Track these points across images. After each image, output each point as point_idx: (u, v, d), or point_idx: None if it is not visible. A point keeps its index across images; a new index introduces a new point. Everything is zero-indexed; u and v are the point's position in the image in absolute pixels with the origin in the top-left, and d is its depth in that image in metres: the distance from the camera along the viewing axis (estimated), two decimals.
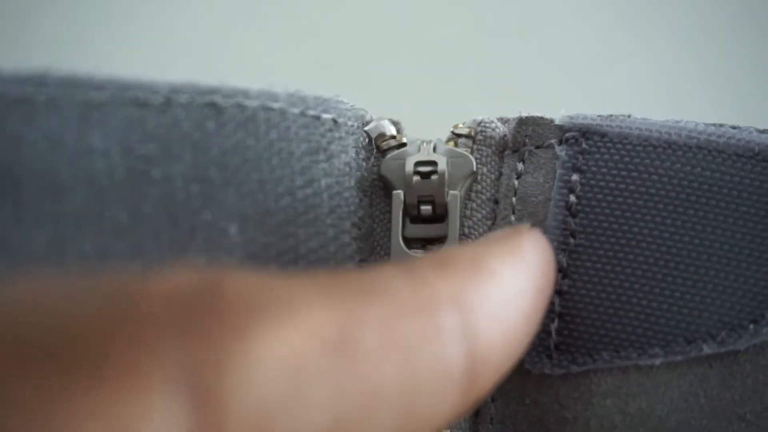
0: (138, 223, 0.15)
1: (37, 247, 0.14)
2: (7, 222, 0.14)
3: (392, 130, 0.21)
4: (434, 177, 0.20)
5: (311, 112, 0.19)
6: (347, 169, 0.20)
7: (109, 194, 0.15)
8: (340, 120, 0.20)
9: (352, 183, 0.20)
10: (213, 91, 0.17)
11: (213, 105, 0.17)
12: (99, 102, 0.15)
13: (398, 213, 0.20)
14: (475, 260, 0.16)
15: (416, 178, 0.20)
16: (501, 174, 0.21)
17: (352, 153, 0.20)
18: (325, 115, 0.20)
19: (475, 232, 0.21)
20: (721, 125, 0.20)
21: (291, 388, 0.12)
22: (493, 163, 0.21)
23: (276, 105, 0.18)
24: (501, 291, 0.16)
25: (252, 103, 0.18)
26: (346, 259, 0.20)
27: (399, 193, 0.21)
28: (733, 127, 0.20)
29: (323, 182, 0.19)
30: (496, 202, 0.21)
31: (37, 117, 0.14)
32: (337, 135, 0.20)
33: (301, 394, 0.12)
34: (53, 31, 0.57)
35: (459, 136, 0.21)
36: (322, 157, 0.19)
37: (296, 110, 0.19)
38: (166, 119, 0.16)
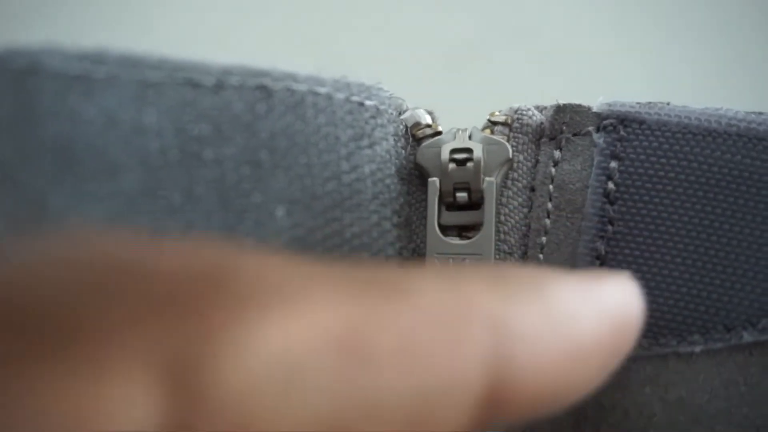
0: (190, 203, 0.15)
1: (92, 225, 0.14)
2: (66, 199, 0.14)
3: (427, 119, 0.21)
4: (470, 164, 0.20)
5: (355, 98, 0.19)
6: (388, 156, 0.20)
7: (163, 174, 0.15)
8: (382, 107, 0.20)
9: (393, 170, 0.20)
10: (263, 74, 0.17)
11: (263, 88, 0.17)
12: (154, 81, 0.15)
13: (434, 200, 0.20)
14: (532, 284, 0.14)
15: (452, 165, 0.20)
16: (538, 161, 0.21)
17: (392, 141, 0.20)
18: (368, 102, 0.19)
19: (511, 219, 0.21)
20: (761, 113, 0.20)
21: (281, 385, 0.11)
22: (529, 150, 0.21)
23: (323, 90, 0.18)
24: (557, 322, 0.14)
25: (300, 87, 0.18)
26: (386, 246, 0.20)
27: (435, 181, 0.20)
28: None
29: (367, 168, 0.19)
30: (533, 189, 0.21)
31: (95, 94, 0.14)
32: (379, 122, 0.20)
33: (292, 392, 0.11)
34: (51, 29, 0.57)
35: (495, 123, 0.21)
36: (365, 143, 0.19)
37: (341, 96, 0.19)
38: (218, 101, 0.16)
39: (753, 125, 0.19)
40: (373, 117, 0.19)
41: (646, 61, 0.54)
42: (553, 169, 0.21)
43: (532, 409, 0.14)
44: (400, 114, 0.21)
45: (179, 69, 0.15)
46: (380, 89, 0.20)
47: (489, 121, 0.21)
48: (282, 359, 0.11)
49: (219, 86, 0.16)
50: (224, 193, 0.16)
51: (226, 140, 0.16)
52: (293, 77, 0.17)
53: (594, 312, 0.15)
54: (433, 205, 0.20)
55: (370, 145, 0.19)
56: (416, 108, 0.21)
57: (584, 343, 0.14)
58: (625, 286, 0.16)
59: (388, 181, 0.20)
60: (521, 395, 0.13)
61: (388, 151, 0.20)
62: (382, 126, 0.20)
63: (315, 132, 0.18)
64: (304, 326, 0.11)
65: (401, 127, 0.21)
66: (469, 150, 0.20)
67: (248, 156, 0.16)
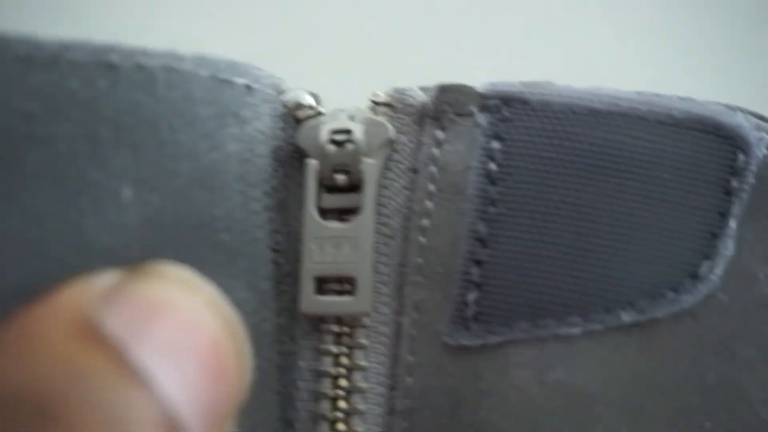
0: (19, 181, 0.14)
1: None
2: None
3: (310, 101, 0.21)
4: (349, 145, 0.20)
5: (222, 76, 0.18)
6: (261, 136, 0.19)
7: None
8: (255, 86, 0.19)
9: (266, 151, 0.20)
10: (109, 49, 0.16)
11: (107, 63, 0.16)
12: None
13: (312, 182, 0.20)
14: None
15: (331, 146, 0.20)
16: (421, 143, 0.20)
17: (267, 121, 0.20)
18: (237, 80, 0.19)
19: (393, 202, 0.20)
20: (641, 92, 0.20)
21: None
22: (412, 131, 0.20)
23: (181, 66, 0.18)
24: None
25: (153, 63, 0.17)
26: (255, 228, 0.19)
27: (312, 162, 0.20)
28: (656, 95, 0.20)
29: (232, 147, 0.19)
30: (415, 171, 0.20)
31: None
32: (250, 101, 0.19)
33: None
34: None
35: (378, 104, 0.21)
36: (231, 122, 0.19)
37: (205, 73, 0.18)
38: (52, 76, 0.15)
39: (635, 104, 0.19)
40: (242, 96, 0.19)
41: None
42: (435, 151, 0.20)
43: None
44: (280, 94, 0.20)
45: (8, 44, 0.15)
46: (255, 68, 0.19)
47: (372, 101, 0.21)
48: None
49: (53, 62, 0.15)
50: (57, 171, 0.15)
51: (59, 117, 0.15)
52: (146, 53, 0.17)
53: None
54: (311, 187, 0.20)
55: (238, 125, 0.19)
56: (299, 89, 0.21)
57: None
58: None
59: (258, 161, 0.19)
60: None
61: (261, 132, 0.19)
62: (253, 105, 0.19)
63: (168, 109, 0.17)
64: None
65: (279, 107, 0.20)
66: (348, 131, 0.20)
67: (86, 133, 0.16)
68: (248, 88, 0.19)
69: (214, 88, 0.18)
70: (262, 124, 0.19)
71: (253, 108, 0.19)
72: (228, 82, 0.18)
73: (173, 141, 0.17)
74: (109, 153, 0.16)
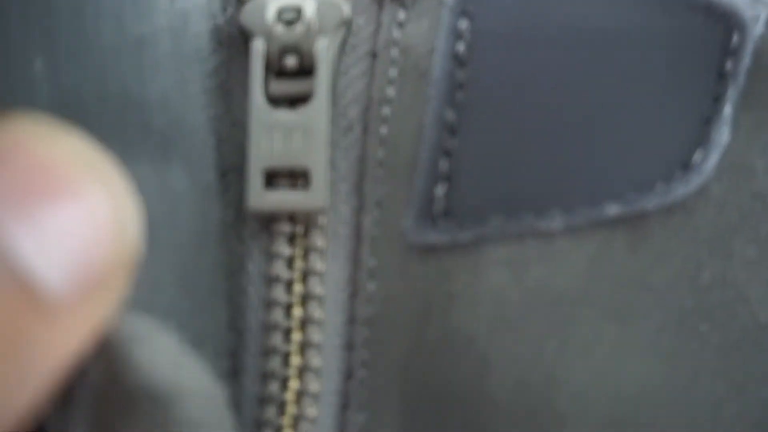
0: None
1: None
2: None
3: None
4: (299, 25, 0.17)
5: None
6: (197, 12, 0.17)
7: None
8: None
9: (203, 29, 0.17)
10: None
11: None
12: None
13: (258, 65, 0.17)
14: None
15: (279, 25, 0.17)
16: (380, 24, 0.18)
17: None
18: None
19: (351, 90, 0.18)
20: None
21: None
22: (371, 11, 0.18)
23: None
24: None
25: None
26: (193, 110, 0.17)
27: (258, 43, 0.17)
28: None
29: (163, 20, 0.16)
30: (375, 55, 0.18)
31: None
32: None
33: None
34: None
35: None
36: None
37: None
38: None
39: None
40: None
41: None
42: (397, 32, 0.18)
43: None
44: None
45: None
46: None
47: None
48: None
49: None
50: None
51: None
52: None
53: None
54: (257, 70, 0.17)
55: None
56: None
57: None
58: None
59: (195, 39, 0.17)
60: None
61: (198, 7, 0.17)
62: None
63: None
64: None
65: None
66: (299, 9, 0.18)
67: None
68: None
69: None
70: None
71: None
72: None
73: (93, 11, 0.15)
74: (17, 24, 0.14)
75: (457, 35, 0.17)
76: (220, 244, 0.17)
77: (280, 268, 0.17)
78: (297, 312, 0.17)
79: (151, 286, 0.16)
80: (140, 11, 0.16)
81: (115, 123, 0.16)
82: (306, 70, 0.18)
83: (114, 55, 0.16)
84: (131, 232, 0.11)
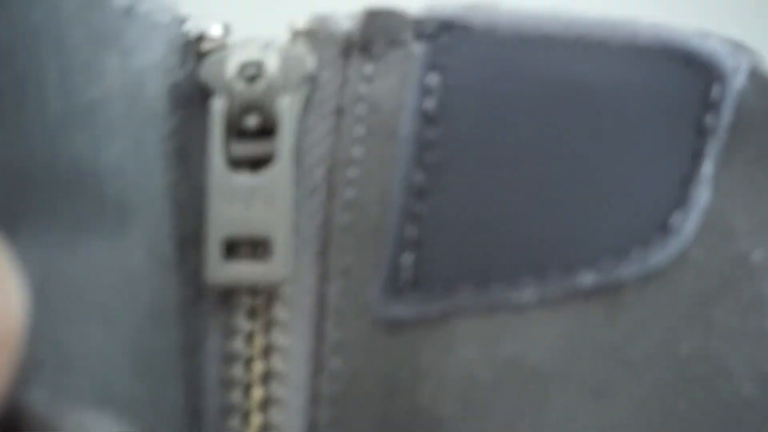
0: None
1: None
2: None
3: (216, 30, 0.17)
4: (261, 81, 0.17)
5: None
6: (153, 71, 0.16)
7: None
8: (140, 9, 0.16)
9: (159, 88, 0.16)
10: None
11: None
12: None
13: (218, 126, 0.17)
14: None
15: (239, 82, 0.17)
16: (347, 78, 0.17)
17: (160, 51, 0.16)
18: (116, 1, 0.16)
19: (317, 150, 0.17)
20: (603, 16, 0.17)
21: None
22: (337, 65, 0.17)
23: None
24: None
25: None
26: (151, 177, 0.16)
27: (218, 102, 0.17)
28: (617, 19, 0.17)
29: (116, 82, 0.15)
30: (341, 112, 0.17)
31: None
32: (132, 26, 0.16)
33: None
34: None
35: (297, 33, 0.17)
36: (112, 50, 0.15)
37: None
38: None
39: (594, 29, 0.17)
40: (122, 19, 0.15)
41: None
42: (364, 87, 0.17)
43: None
44: (181, 23, 0.17)
45: None
46: None
47: (290, 30, 0.18)
48: None
49: None
50: None
51: None
52: None
53: None
54: (217, 131, 0.17)
55: (122, 54, 0.15)
56: (202, 17, 0.17)
57: None
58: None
59: (151, 100, 0.16)
60: None
61: (154, 64, 0.16)
62: (139, 31, 0.16)
63: (26, 34, 0.14)
64: None
65: (178, 37, 0.17)
66: (260, 64, 0.17)
67: None
68: (129, 11, 0.16)
69: (84, 8, 0.15)
70: (153, 55, 0.16)
71: (138, 35, 0.16)
72: (102, 3, 0.15)
73: (36, 74, 0.14)
74: None
75: (426, 91, 0.17)
76: (178, 320, 0.16)
77: (239, 345, 0.16)
78: (257, 392, 0.16)
79: (108, 374, 0.15)
80: (89, 75, 0.15)
81: (66, 196, 0.15)
82: (268, 129, 0.17)
83: (62, 123, 0.15)
84: (15, 314, 0.11)
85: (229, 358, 0.16)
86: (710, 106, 0.16)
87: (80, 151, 0.15)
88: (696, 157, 0.16)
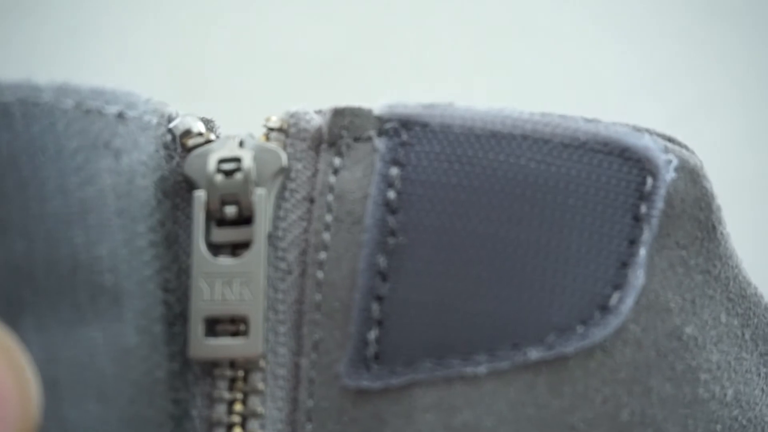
0: None
1: None
2: None
3: (200, 127, 0.19)
4: (238, 174, 0.18)
5: (88, 105, 0.17)
6: (142, 168, 0.18)
7: None
8: (130, 114, 0.18)
9: (148, 182, 0.18)
10: None
11: None
12: None
13: (200, 215, 0.18)
14: None
15: (219, 176, 0.18)
16: (317, 170, 0.19)
17: (149, 150, 0.18)
18: (107, 108, 0.17)
19: (290, 234, 0.19)
20: (546, 114, 0.19)
21: None
22: (308, 158, 0.19)
23: (40, 98, 0.16)
24: None
25: (6, 97, 0.16)
26: (141, 266, 0.18)
27: (200, 194, 0.18)
28: (561, 117, 0.19)
29: (108, 181, 0.17)
30: (312, 200, 0.19)
31: None
32: (123, 130, 0.18)
33: None
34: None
35: (271, 129, 0.19)
36: (104, 153, 0.17)
37: (69, 103, 0.17)
38: None
39: (539, 126, 0.18)
40: (114, 125, 0.17)
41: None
42: (332, 178, 0.19)
43: None
44: (168, 121, 0.19)
45: None
46: (130, 94, 0.18)
47: (264, 126, 0.19)
48: None
49: None
50: None
51: None
52: None
53: None
54: (199, 220, 0.18)
55: (113, 156, 0.17)
56: (187, 115, 0.19)
57: None
58: None
59: (140, 194, 0.18)
60: None
61: (143, 162, 0.18)
62: (128, 134, 0.18)
63: (28, 145, 0.16)
64: None
65: (165, 135, 0.19)
66: (237, 159, 0.19)
67: None
68: (121, 116, 0.17)
69: (79, 119, 0.17)
70: (142, 153, 0.18)
71: (128, 137, 0.18)
72: (96, 112, 0.17)
73: (37, 179, 0.16)
74: None
75: (388, 183, 0.18)
76: (166, 391, 0.18)
77: (221, 413, 0.18)
78: None
79: None
80: (84, 176, 0.17)
81: (65, 287, 0.17)
82: (246, 217, 0.19)
83: (60, 221, 0.16)
84: (34, 400, 0.13)
85: (211, 425, 0.18)
86: (644, 196, 0.18)
87: (77, 246, 0.16)
88: (632, 243, 0.18)
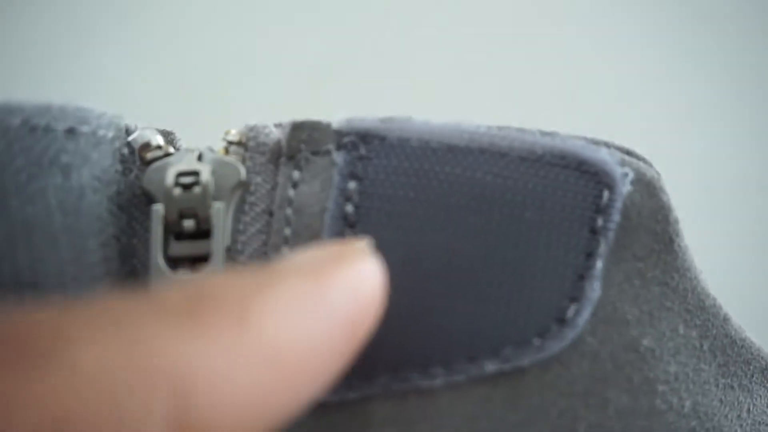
0: None
1: None
2: None
3: (159, 140, 0.19)
4: (196, 188, 0.18)
5: (34, 122, 0.17)
6: (94, 183, 0.18)
7: None
8: (82, 129, 0.18)
9: (101, 198, 0.18)
10: None
11: None
12: None
13: (158, 229, 0.18)
14: (236, 305, 0.13)
15: (177, 189, 0.18)
16: (276, 183, 0.19)
17: (103, 164, 0.18)
18: (55, 125, 0.17)
19: (249, 248, 0.19)
20: (503, 127, 0.19)
21: None
22: (268, 171, 0.19)
23: None
24: (254, 356, 0.13)
25: None
26: (94, 281, 0.18)
27: (158, 207, 0.18)
28: (518, 130, 0.19)
29: (54, 199, 0.17)
30: (271, 213, 0.19)
31: None
32: (72, 146, 0.17)
33: None
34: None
35: (230, 143, 0.19)
36: (50, 171, 0.17)
37: (15, 121, 0.17)
38: None
39: (496, 140, 0.18)
40: (60, 141, 0.17)
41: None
42: (291, 192, 0.19)
43: None
44: (125, 135, 0.19)
45: None
46: (82, 110, 0.18)
47: (224, 140, 0.19)
48: None
49: None
50: None
51: None
52: None
53: (318, 324, 0.14)
54: (157, 234, 0.18)
55: (61, 173, 0.17)
56: (146, 128, 0.19)
57: (300, 364, 0.14)
58: (364, 269, 0.16)
59: (91, 210, 0.18)
60: None
61: (96, 178, 0.18)
62: (79, 150, 0.18)
63: None
64: None
65: (123, 148, 0.19)
66: (196, 173, 0.18)
67: None
68: (70, 132, 0.17)
69: (23, 137, 0.16)
70: (95, 168, 0.18)
71: (78, 153, 0.17)
72: (43, 129, 0.17)
73: None
74: None
75: (346, 196, 0.18)
76: None
77: None
78: None
79: None
80: (28, 194, 0.17)
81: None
82: (204, 231, 0.19)
83: (2, 240, 0.16)
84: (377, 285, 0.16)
85: None
86: (601, 209, 0.18)
87: (20, 266, 0.16)
88: (589, 256, 0.18)
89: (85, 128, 0.18)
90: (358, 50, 0.53)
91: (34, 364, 0.11)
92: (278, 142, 0.19)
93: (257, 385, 0.13)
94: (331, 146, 0.19)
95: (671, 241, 0.19)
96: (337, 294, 0.15)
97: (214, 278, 0.15)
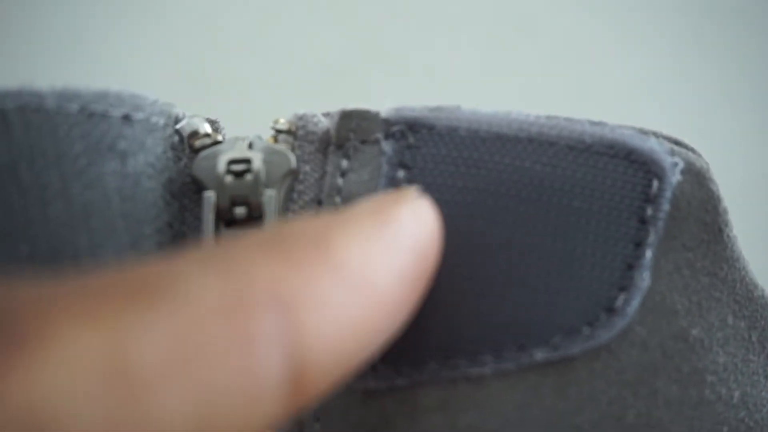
0: None
1: None
2: None
3: (207, 128, 0.19)
4: (248, 176, 0.19)
5: (92, 109, 0.17)
6: (149, 170, 0.18)
7: None
8: (136, 116, 0.18)
9: (156, 184, 0.18)
10: None
11: None
12: None
13: (209, 216, 0.19)
14: (318, 239, 0.14)
15: (229, 177, 0.19)
16: (325, 172, 0.19)
17: (156, 151, 0.18)
18: (112, 111, 0.18)
19: None
20: (552, 117, 0.19)
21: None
22: (316, 160, 0.19)
23: (41, 104, 0.16)
24: (343, 281, 0.14)
25: (5, 105, 0.16)
26: None
27: (209, 194, 0.19)
28: (567, 119, 0.19)
29: (112, 184, 0.17)
30: (320, 202, 0.19)
31: None
32: (129, 132, 0.18)
33: None
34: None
35: (279, 132, 0.19)
36: (109, 156, 0.17)
37: (73, 107, 0.17)
38: None
39: (544, 129, 0.18)
40: (117, 127, 0.18)
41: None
42: (340, 180, 0.19)
43: (334, 381, 0.14)
44: (174, 123, 0.19)
45: None
46: (137, 96, 0.18)
47: (273, 129, 0.20)
48: (41, 416, 0.10)
49: None
50: None
51: None
52: None
53: (390, 252, 0.15)
54: (208, 221, 0.19)
55: (119, 159, 0.17)
56: (194, 116, 0.20)
57: (383, 291, 0.15)
58: (419, 207, 0.16)
59: (148, 196, 0.18)
60: (320, 372, 0.13)
61: (150, 164, 0.18)
62: (135, 137, 0.18)
63: (27, 151, 0.16)
64: (65, 366, 0.10)
65: (173, 136, 0.19)
66: (248, 160, 0.19)
67: None
68: (126, 118, 0.18)
69: (82, 123, 0.17)
70: (149, 155, 0.18)
71: (134, 140, 0.18)
72: (99, 115, 0.17)
73: (37, 184, 0.16)
74: None
75: (394, 185, 0.18)
76: None
77: None
78: None
79: None
80: (87, 179, 0.17)
81: None
82: (255, 218, 0.19)
83: (63, 224, 0.17)
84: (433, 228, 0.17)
85: None
86: (650, 199, 0.18)
87: (81, 249, 0.17)
88: (638, 245, 0.18)
89: (139, 115, 0.18)
90: (369, 47, 0.53)
91: (159, 297, 0.12)
92: (327, 131, 0.19)
93: (353, 311, 0.14)
94: (379, 135, 0.19)
95: (720, 231, 0.19)
96: (404, 227, 0.15)
97: (289, 222, 0.15)
